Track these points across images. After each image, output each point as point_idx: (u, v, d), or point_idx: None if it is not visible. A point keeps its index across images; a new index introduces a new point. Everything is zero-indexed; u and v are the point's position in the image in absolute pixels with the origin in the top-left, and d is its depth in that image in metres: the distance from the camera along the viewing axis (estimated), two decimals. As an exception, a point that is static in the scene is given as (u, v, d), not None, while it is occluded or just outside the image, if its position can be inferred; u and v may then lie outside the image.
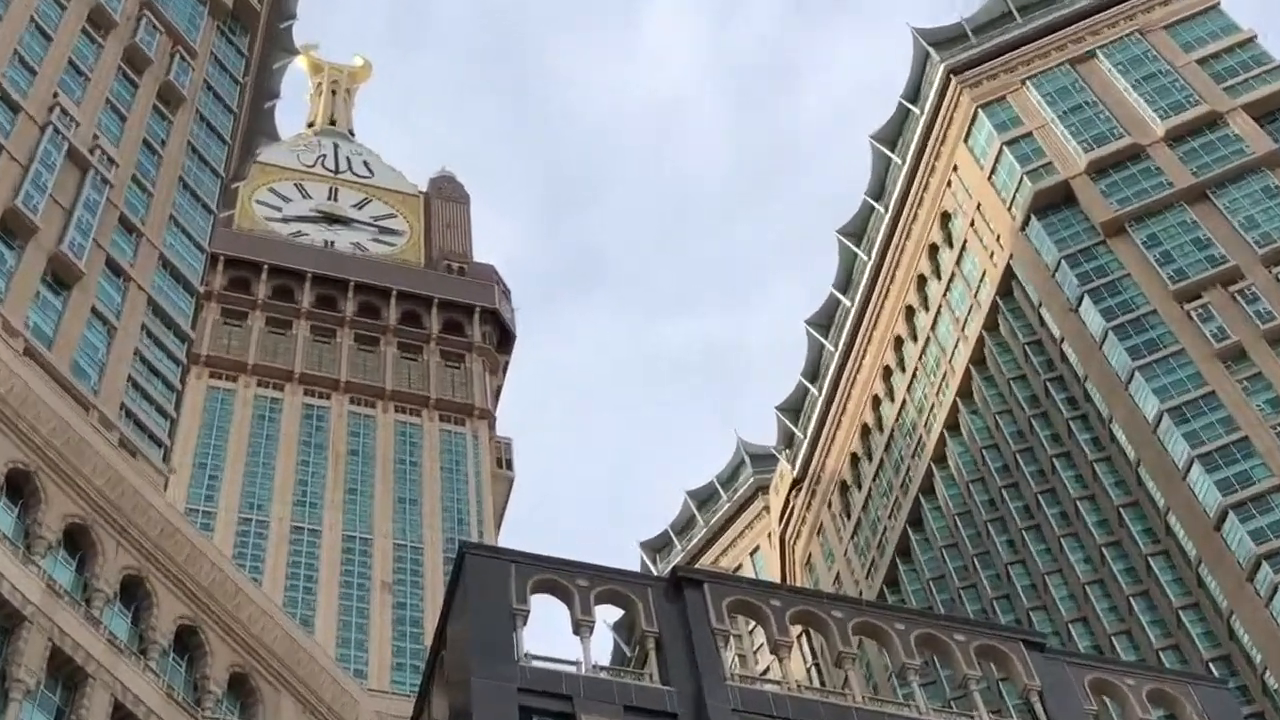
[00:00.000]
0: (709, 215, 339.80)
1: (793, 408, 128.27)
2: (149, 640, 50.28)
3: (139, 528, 51.70)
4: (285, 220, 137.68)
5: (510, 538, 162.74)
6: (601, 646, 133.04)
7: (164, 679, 49.77)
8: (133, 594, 51.09)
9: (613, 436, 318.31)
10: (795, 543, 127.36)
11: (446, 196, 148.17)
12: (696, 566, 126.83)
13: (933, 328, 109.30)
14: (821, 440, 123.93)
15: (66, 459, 50.76)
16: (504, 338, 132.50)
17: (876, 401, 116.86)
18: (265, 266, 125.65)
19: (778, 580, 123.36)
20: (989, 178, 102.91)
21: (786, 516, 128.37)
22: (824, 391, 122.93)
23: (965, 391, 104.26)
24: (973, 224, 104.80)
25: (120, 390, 62.14)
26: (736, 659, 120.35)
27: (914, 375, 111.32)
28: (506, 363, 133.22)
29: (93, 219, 65.05)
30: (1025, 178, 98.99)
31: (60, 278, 62.00)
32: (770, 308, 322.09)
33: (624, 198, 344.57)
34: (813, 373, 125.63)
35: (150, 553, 51.64)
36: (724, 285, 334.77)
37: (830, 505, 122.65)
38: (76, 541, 50.37)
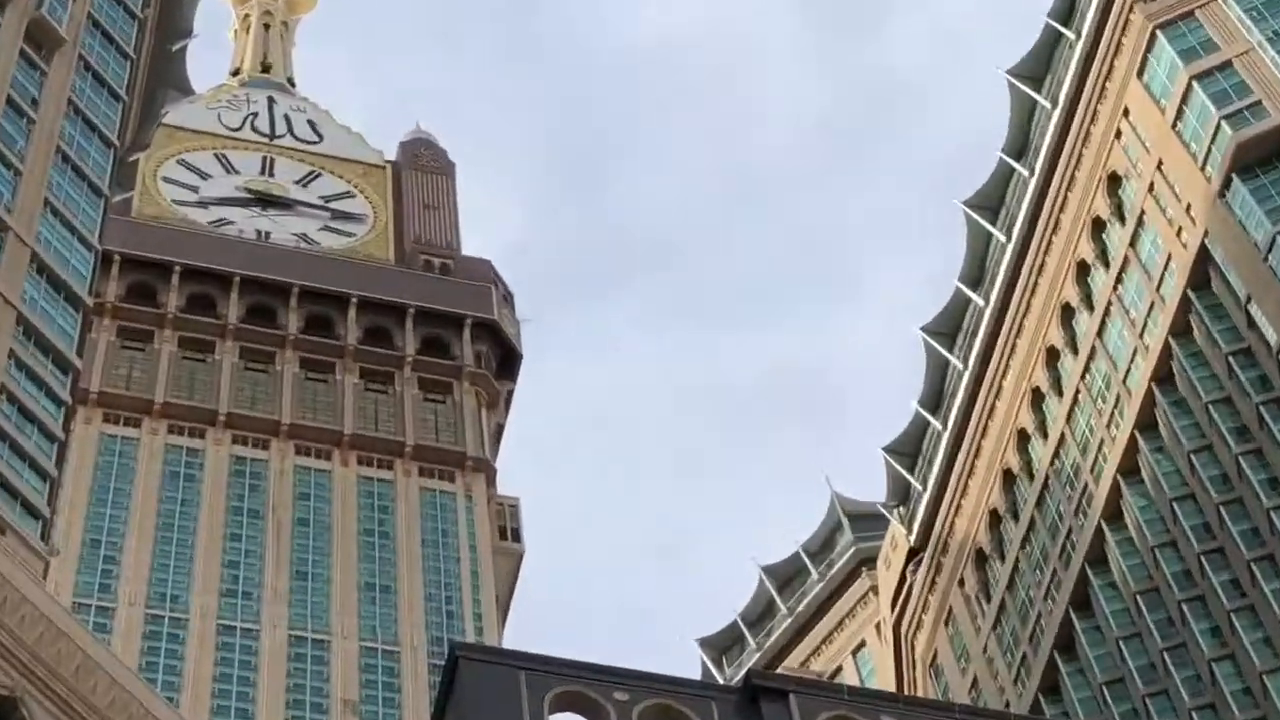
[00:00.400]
0: (781, 187, 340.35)
1: (907, 449, 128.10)
2: (27, 784, 50.69)
3: (10, 631, 51.98)
4: (203, 204, 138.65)
5: (520, 635, 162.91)
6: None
7: (48, 837, 50.17)
8: (4, 721, 51.47)
9: (658, 493, 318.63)
10: (915, 635, 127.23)
11: (423, 166, 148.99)
12: (778, 671, 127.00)
13: (1099, 334, 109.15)
14: (948, 493, 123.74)
15: (-90, 538, 51.30)
16: (506, 359, 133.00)
17: (1023, 437, 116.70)
18: (177, 268, 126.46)
19: (892, 688, 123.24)
20: (1173, 125, 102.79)
21: (902, 600, 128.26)
22: (950, 426, 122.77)
23: (1147, 422, 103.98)
24: (1152, 189, 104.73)
25: (-18, 443, 62.64)
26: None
27: (1075, 400, 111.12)
28: (510, 393, 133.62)
29: (-60, 208, 65.76)
30: (1223, 124, 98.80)
31: (-102, 290, 62.73)
32: (870, 310, 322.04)
33: (665, 165, 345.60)
34: (934, 400, 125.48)
35: (27, 665, 51.90)
36: (805, 280, 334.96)
37: (963, 583, 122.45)
38: (-74, 651, 50.89)
